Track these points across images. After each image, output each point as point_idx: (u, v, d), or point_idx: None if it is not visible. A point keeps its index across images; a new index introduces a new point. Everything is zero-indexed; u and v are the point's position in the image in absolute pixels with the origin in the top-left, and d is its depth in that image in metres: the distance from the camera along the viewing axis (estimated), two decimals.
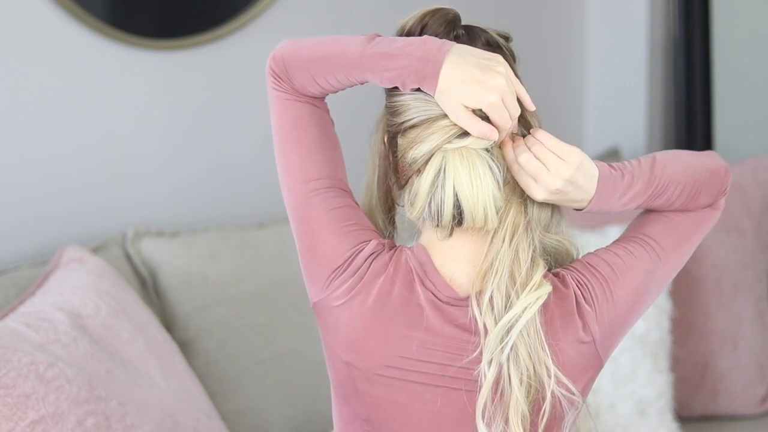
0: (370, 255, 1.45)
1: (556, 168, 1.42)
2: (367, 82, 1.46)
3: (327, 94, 1.51)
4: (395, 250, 1.46)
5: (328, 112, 1.52)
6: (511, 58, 1.49)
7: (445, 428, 1.43)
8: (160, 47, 2.40)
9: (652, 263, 1.48)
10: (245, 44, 2.51)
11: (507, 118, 1.40)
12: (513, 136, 1.45)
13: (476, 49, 1.42)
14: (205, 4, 2.48)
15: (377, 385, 1.43)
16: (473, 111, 1.39)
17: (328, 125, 1.51)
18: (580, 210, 1.47)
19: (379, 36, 1.45)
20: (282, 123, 1.50)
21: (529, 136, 1.44)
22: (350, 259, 1.44)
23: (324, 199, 1.46)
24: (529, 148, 1.43)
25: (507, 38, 1.50)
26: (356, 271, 1.44)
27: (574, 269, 1.47)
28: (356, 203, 1.49)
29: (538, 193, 1.43)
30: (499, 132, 1.40)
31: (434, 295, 1.43)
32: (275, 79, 1.50)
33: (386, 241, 1.48)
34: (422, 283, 1.43)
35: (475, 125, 1.39)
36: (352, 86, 1.48)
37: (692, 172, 1.52)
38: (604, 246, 1.52)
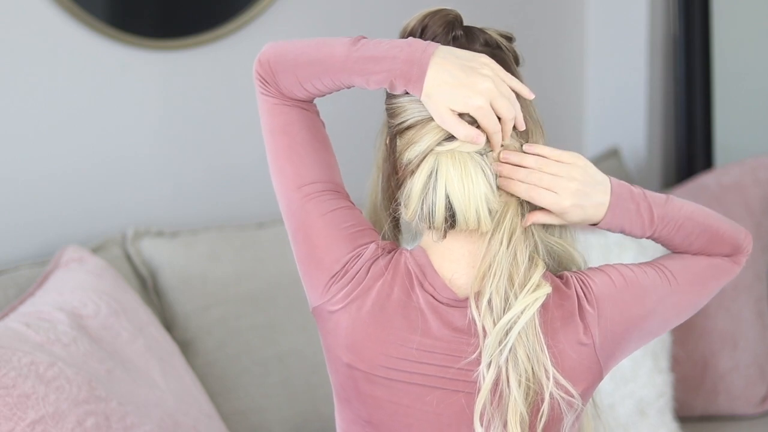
0: (369, 259, 1.44)
1: (567, 171, 1.43)
2: (354, 86, 1.45)
3: (315, 98, 1.50)
4: (394, 253, 1.46)
5: (318, 114, 1.51)
6: (513, 59, 1.49)
7: (445, 429, 1.43)
8: (159, 47, 2.40)
9: (663, 288, 1.48)
10: (245, 44, 2.51)
11: (495, 122, 1.38)
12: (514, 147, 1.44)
13: (461, 50, 1.41)
14: (205, 4, 2.48)
15: (378, 386, 1.43)
16: (460, 115, 1.38)
17: (318, 128, 1.50)
18: (599, 223, 1.47)
19: (365, 38, 1.44)
20: (271, 128, 1.49)
21: (526, 156, 1.43)
22: (348, 264, 1.44)
23: (318, 204, 1.46)
24: (530, 167, 1.43)
25: (510, 38, 1.50)
26: (354, 276, 1.44)
27: (581, 272, 1.47)
28: (352, 203, 1.49)
29: (565, 200, 1.43)
30: (489, 136, 1.40)
31: (433, 297, 1.43)
32: (262, 83, 1.50)
33: (385, 243, 1.47)
34: (421, 285, 1.43)
35: (462, 129, 1.38)
36: (339, 90, 1.47)
37: (712, 214, 1.53)
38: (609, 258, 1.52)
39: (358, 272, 1.44)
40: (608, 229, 1.48)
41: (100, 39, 2.32)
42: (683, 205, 1.51)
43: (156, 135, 2.43)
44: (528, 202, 1.45)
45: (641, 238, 1.51)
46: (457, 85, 1.37)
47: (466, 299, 1.42)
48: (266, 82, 1.49)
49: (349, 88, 1.46)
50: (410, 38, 1.42)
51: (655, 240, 1.52)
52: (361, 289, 1.43)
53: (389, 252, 1.46)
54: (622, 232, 1.49)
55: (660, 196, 1.50)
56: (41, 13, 2.25)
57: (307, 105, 1.49)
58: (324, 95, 1.48)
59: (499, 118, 1.40)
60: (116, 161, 2.38)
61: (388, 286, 1.43)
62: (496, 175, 1.42)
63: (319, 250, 1.45)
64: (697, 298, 1.52)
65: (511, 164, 1.43)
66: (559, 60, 3.12)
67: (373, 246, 1.45)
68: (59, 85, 2.29)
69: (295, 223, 1.47)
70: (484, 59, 1.40)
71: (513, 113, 1.40)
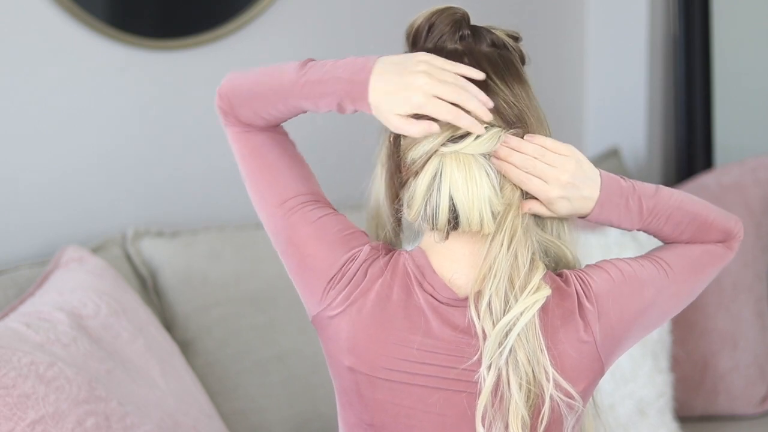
0: (365, 261, 1.44)
1: (562, 163, 1.44)
2: (306, 110, 1.47)
3: (277, 124, 1.52)
4: (392, 254, 1.46)
5: (285, 135, 1.53)
6: (519, 59, 1.49)
7: (449, 430, 1.43)
8: (160, 47, 2.40)
9: (661, 280, 1.48)
10: (245, 44, 2.51)
11: (448, 110, 1.38)
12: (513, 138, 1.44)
13: (398, 56, 1.42)
14: (205, 4, 2.48)
15: (380, 389, 1.43)
16: (413, 116, 1.39)
17: (287, 146, 1.52)
18: (587, 216, 1.47)
19: (312, 61, 1.45)
20: (242, 155, 1.52)
21: (525, 143, 1.44)
22: (345, 267, 1.44)
23: (303, 215, 1.47)
24: (528, 154, 1.43)
25: (516, 38, 1.50)
26: (352, 278, 1.44)
27: (580, 270, 1.47)
28: (334, 209, 1.50)
29: (553, 191, 1.43)
30: (453, 123, 1.39)
31: (434, 297, 1.43)
32: (224, 115, 1.53)
33: (380, 244, 1.47)
34: (421, 285, 1.43)
35: (412, 128, 1.39)
36: (296, 115, 1.49)
37: (701, 202, 1.53)
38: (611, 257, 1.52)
39: (355, 274, 1.44)
40: (597, 222, 1.49)
41: (100, 39, 2.32)
42: (672, 195, 1.51)
43: (156, 135, 2.43)
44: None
45: (630, 230, 1.52)
46: (395, 90, 1.38)
47: (467, 299, 1.42)
48: (227, 113, 1.52)
49: (304, 112, 1.48)
50: (350, 57, 1.43)
51: (645, 231, 1.53)
52: (359, 291, 1.43)
53: (386, 253, 1.46)
54: (611, 225, 1.50)
55: (649, 188, 1.50)
56: (41, 13, 2.25)
57: (271, 129, 1.52)
58: (284, 121, 1.50)
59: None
60: (116, 161, 2.38)
61: (388, 287, 1.43)
62: (499, 175, 1.42)
63: (312, 258, 1.45)
64: (694, 285, 1.53)
65: (510, 148, 1.43)
66: (559, 60, 3.12)
67: (367, 248, 1.45)
68: (59, 85, 2.29)
69: (284, 238, 1.48)
70: (420, 56, 1.40)
71: (463, 94, 1.39)
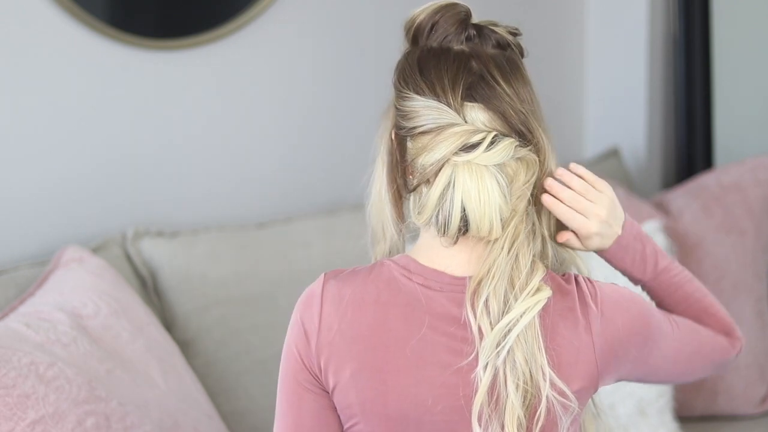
0: (325, 283, 1.45)
1: (600, 199, 1.48)
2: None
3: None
4: (371, 266, 1.47)
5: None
6: (518, 54, 1.49)
7: (454, 428, 1.43)
8: (160, 47, 2.40)
9: (667, 326, 1.52)
10: (245, 44, 2.51)
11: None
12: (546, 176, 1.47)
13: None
14: (205, 4, 2.48)
15: (384, 395, 1.42)
16: None
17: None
18: (603, 249, 1.51)
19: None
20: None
21: (574, 178, 1.48)
22: (318, 326, 1.45)
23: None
24: (575, 190, 1.48)
25: (515, 34, 1.50)
26: (321, 305, 1.44)
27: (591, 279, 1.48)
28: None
29: (593, 227, 1.48)
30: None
31: (426, 287, 1.42)
32: None
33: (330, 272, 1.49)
34: (410, 279, 1.43)
35: None
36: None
37: (708, 292, 1.58)
38: None
39: (323, 306, 1.45)
40: (610, 261, 1.52)
41: (100, 39, 2.32)
42: (684, 270, 1.57)
43: (155, 135, 2.43)
44: (533, 209, 1.47)
45: (639, 282, 1.54)
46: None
47: (462, 279, 1.42)
48: None
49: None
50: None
51: (652, 290, 1.56)
52: (344, 307, 1.43)
53: (348, 271, 1.47)
54: (623, 269, 1.54)
55: (666, 253, 1.56)
56: (41, 13, 2.25)
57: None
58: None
59: None
60: (116, 161, 2.38)
61: (373, 292, 1.43)
62: (509, 183, 1.42)
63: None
64: (693, 358, 1.56)
65: (561, 183, 1.47)
66: (559, 60, 3.12)
67: (316, 284, 1.47)
68: (59, 85, 2.29)
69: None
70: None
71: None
